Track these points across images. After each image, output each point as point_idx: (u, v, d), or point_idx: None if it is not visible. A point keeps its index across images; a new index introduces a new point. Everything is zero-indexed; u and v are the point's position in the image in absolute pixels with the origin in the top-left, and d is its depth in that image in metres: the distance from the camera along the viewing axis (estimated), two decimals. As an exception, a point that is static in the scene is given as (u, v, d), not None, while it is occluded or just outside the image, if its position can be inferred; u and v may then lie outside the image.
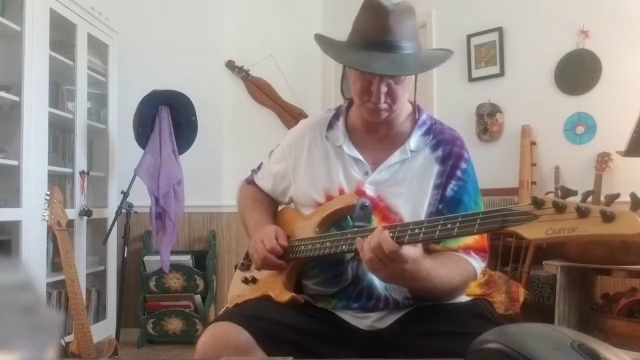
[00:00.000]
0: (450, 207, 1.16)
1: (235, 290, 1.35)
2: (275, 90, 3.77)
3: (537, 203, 0.81)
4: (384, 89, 1.13)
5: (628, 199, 0.78)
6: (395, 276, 1.02)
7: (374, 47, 1.11)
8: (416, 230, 0.97)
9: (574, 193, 0.81)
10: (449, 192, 1.19)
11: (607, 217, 0.74)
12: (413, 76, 1.20)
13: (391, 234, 0.98)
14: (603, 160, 2.86)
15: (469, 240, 1.17)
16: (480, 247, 1.18)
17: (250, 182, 1.48)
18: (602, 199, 0.82)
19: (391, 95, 1.16)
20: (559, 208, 0.79)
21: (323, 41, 1.24)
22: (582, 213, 0.76)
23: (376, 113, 1.18)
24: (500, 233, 2.49)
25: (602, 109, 2.99)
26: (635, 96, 2.84)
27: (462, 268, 1.15)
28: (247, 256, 1.35)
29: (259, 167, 1.46)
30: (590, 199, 0.79)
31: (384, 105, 1.16)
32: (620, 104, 2.90)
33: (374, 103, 1.16)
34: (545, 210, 0.81)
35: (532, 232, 0.81)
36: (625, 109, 2.78)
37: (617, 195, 0.79)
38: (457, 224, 0.92)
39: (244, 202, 1.44)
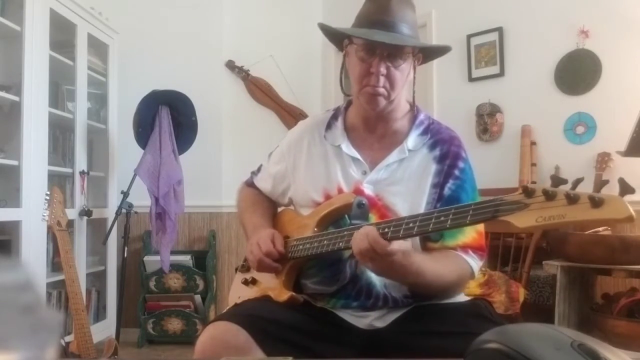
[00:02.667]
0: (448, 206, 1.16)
1: (236, 292, 1.35)
2: (275, 90, 3.77)
3: (528, 192, 0.83)
4: (383, 70, 1.16)
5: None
6: (385, 269, 1.03)
7: (376, 25, 1.16)
8: (410, 225, 0.98)
9: (565, 181, 0.82)
10: (446, 191, 1.19)
11: (596, 203, 0.75)
12: (412, 70, 1.21)
13: (382, 231, 1.00)
14: (603, 160, 2.85)
15: (467, 238, 1.17)
16: (478, 246, 1.19)
17: (249, 184, 1.48)
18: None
19: (390, 80, 1.17)
20: (549, 196, 0.80)
21: (326, 27, 1.27)
22: (572, 199, 0.77)
23: (374, 99, 1.19)
24: (500, 233, 2.49)
25: (602, 109, 2.99)
26: (635, 96, 2.84)
27: (457, 265, 1.15)
28: (246, 258, 1.36)
29: (259, 169, 1.47)
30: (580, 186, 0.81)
31: (382, 90, 1.17)
32: (620, 104, 2.90)
33: (372, 86, 1.17)
34: (535, 199, 0.82)
35: (523, 220, 0.82)
36: (625, 109, 2.78)
37: (606, 182, 0.80)
38: (450, 216, 0.93)
39: (243, 205, 1.44)
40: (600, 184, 0.80)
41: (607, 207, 0.74)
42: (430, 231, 0.97)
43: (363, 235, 1.00)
